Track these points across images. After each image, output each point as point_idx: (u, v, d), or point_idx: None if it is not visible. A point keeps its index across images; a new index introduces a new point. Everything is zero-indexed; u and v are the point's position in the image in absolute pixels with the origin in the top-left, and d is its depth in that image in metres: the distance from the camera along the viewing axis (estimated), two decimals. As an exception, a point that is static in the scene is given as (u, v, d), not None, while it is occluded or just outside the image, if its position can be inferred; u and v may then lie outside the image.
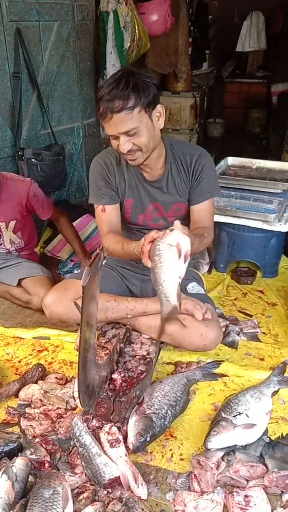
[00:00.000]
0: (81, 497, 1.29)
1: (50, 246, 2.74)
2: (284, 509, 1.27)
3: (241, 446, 1.44)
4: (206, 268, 2.63)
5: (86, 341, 1.37)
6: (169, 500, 1.31)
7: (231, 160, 2.98)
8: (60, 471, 1.36)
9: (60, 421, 1.55)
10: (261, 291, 2.46)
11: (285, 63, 5.75)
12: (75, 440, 1.41)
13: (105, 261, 1.39)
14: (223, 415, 1.48)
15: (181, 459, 1.46)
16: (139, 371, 1.62)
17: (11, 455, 1.37)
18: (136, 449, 1.43)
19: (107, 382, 1.56)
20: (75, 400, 1.65)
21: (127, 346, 1.78)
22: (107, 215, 1.80)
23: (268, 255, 2.53)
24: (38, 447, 1.42)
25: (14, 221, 2.30)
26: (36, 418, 1.57)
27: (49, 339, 2.07)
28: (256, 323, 2.14)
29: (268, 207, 2.42)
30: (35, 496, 1.18)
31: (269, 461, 1.39)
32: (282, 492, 1.32)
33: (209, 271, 2.63)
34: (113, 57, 3.35)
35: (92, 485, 1.34)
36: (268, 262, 2.56)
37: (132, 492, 1.31)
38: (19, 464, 1.28)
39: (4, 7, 2.60)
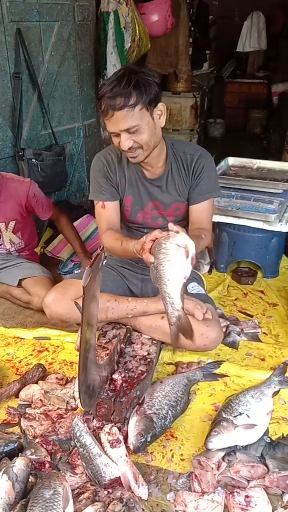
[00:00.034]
0: (81, 497, 1.29)
1: (50, 247, 2.74)
2: (285, 509, 1.27)
3: (242, 446, 1.44)
4: (206, 268, 2.63)
5: (87, 341, 1.37)
6: (169, 501, 1.31)
7: (231, 160, 2.98)
8: (61, 472, 1.36)
9: (61, 421, 1.55)
10: (262, 291, 2.46)
11: (285, 63, 5.76)
12: (75, 440, 1.41)
13: (105, 261, 1.39)
14: (223, 415, 1.48)
15: (182, 460, 1.46)
16: (139, 372, 1.62)
17: (12, 455, 1.37)
18: (136, 450, 1.43)
19: (108, 383, 1.56)
20: (75, 400, 1.65)
21: (128, 346, 1.78)
22: (107, 211, 1.80)
23: (268, 255, 2.53)
24: (38, 448, 1.42)
25: (14, 222, 2.30)
26: (37, 419, 1.57)
27: (50, 339, 2.07)
28: (257, 323, 2.14)
29: (268, 207, 2.42)
30: (35, 497, 1.18)
31: (270, 461, 1.39)
32: (283, 492, 1.32)
33: (210, 271, 2.63)
34: (114, 57, 3.35)
35: (93, 485, 1.34)
36: (269, 262, 2.56)
37: (132, 492, 1.30)
38: (19, 464, 1.28)
39: (4, 7, 2.60)
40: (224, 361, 1.86)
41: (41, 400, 1.65)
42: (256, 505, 1.25)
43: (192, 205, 1.79)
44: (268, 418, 1.50)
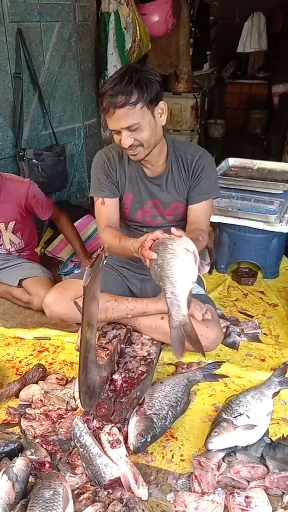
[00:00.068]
0: (81, 497, 1.29)
1: (50, 247, 2.74)
2: (285, 510, 1.27)
3: (242, 447, 1.44)
4: (207, 268, 2.63)
5: (87, 341, 1.37)
6: (169, 501, 1.31)
7: (232, 161, 2.98)
8: (61, 472, 1.36)
9: (61, 421, 1.55)
10: (262, 292, 2.46)
11: (285, 64, 5.76)
12: (75, 440, 1.41)
13: (105, 261, 1.39)
14: (224, 416, 1.48)
15: (182, 460, 1.46)
16: (139, 372, 1.62)
17: (12, 455, 1.37)
18: (136, 450, 1.43)
19: (108, 383, 1.56)
20: (75, 400, 1.65)
21: (128, 346, 1.78)
22: (106, 208, 1.79)
23: (269, 256, 2.53)
24: (38, 448, 1.42)
25: (14, 222, 2.30)
26: (37, 419, 1.57)
27: (50, 339, 2.07)
28: (257, 324, 2.14)
29: (269, 208, 2.42)
30: (35, 497, 1.18)
31: (270, 462, 1.39)
32: (283, 493, 1.32)
33: (210, 272, 2.63)
34: (114, 58, 3.35)
35: (93, 485, 1.34)
36: (269, 263, 2.56)
37: (132, 492, 1.30)
38: (19, 464, 1.28)
39: (5, 7, 2.60)
40: (224, 362, 1.86)
41: (41, 400, 1.65)
42: (256, 505, 1.25)
43: (190, 205, 1.78)
44: (268, 419, 1.50)
